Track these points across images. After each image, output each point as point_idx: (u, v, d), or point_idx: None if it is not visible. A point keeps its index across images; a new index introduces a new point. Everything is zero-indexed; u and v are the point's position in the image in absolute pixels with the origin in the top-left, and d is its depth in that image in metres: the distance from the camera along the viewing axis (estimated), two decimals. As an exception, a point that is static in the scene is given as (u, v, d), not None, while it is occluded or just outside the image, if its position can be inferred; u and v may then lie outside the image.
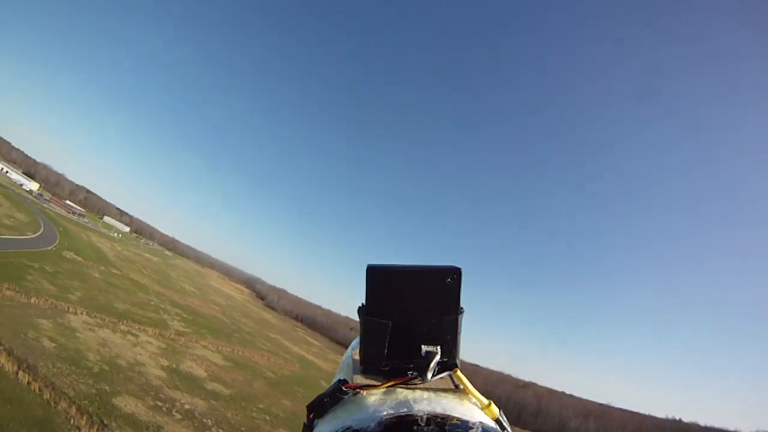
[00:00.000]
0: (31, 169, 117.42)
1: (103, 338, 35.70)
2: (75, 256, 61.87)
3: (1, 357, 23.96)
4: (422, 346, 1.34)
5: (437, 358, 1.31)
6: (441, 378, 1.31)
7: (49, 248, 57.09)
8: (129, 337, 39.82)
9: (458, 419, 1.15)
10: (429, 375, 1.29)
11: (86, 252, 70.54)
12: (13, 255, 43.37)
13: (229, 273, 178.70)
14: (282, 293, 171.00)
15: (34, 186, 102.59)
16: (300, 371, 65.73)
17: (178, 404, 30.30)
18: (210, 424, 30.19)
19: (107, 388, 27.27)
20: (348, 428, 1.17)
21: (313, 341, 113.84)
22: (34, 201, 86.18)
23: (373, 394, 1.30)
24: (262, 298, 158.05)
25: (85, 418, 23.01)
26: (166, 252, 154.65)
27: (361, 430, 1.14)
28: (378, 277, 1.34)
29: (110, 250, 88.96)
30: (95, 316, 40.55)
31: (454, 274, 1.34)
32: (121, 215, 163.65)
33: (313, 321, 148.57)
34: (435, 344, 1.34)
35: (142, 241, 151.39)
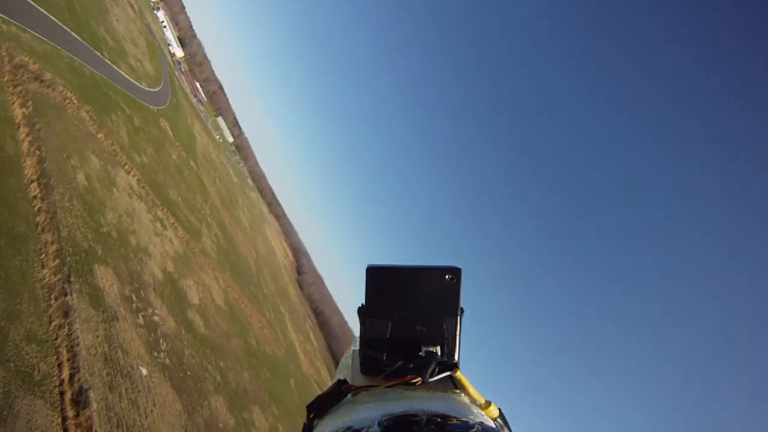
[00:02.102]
0: (186, 39, 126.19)
1: (133, 209, 35.36)
2: (168, 129, 64.06)
3: (30, 158, 23.37)
4: (422, 347, 1.48)
5: (437, 358, 1.45)
6: (441, 378, 1.44)
7: (152, 107, 59.26)
8: (157, 224, 39.45)
9: (458, 419, 1.24)
10: (429, 375, 1.41)
11: (180, 132, 73.20)
12: (115, 91, 44.92)
13: (287, 233, 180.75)
14: (319, 281, 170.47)
15: (179, 53, 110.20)
16: (281, 357, 63.46)
17: (149, 311, 28.98)
18: (163, 348, 28.59)
19: (99, 251, 26.40)
20: (348, 428, 1.29)
21: (313, 340, 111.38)
22: (170, 64, 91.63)
23: (373, 394, 1.43)
24: (298, 273, 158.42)
25: (57, 261, 21.99)
26: (248, 180, 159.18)
27: (361, 430, 1.24)
28: (378, 277, 1.49)
29: (203, 145, 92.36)
30: (143, 187, 40.73)
31: (455, 273, 1.47)
32: (233, 125, 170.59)
33: (326, 323, 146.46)
34: (435, 344, 1.49)
35: (236, 158, 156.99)
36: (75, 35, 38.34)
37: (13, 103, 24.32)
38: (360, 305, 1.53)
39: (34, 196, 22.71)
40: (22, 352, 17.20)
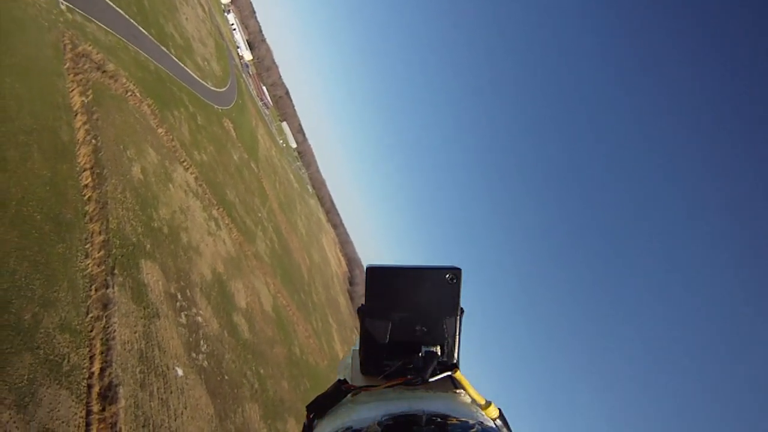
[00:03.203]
0: (255, 43, 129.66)
1: (188, 206, 35.40)
2: (231, 129, 65.12)
3: (85, 147, 23.43)
4: (422, 347, 1.52)
5: (437, 358, 1.49)
6: (441, 378, 1.47)
7: (216, 107, 60.39)
8: (212, 224, 39.45)
9: (458, 419, 1.27)
10: (429, 375, 1.44)
11: (244, 133, 74.44)
12: (179, 87, 45.79)
13: (343, 242, 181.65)
14: None
15: (248, 56, 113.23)
16: (324, 368, 62.45)
17: (193, 311, 28.54)
18: (203, 349, 28.07)
19: (148, 246, 26.21)
20: (348, 428, 1.33)
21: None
22: (238, 66, 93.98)
23: (373, 395, 1.47)
24: (350, 283, 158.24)
25: (102, 252, 21.80)
26: (309, 186, 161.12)
27: (361, 430, 1.28)
28: (378, 278, 1.53)
29: (265, 148, 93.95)
30: (200, 185, 40.98)
31: (455, 274, 1.51)
32: (297, 131, 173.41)
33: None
34: (435, 344, 1.53)
35: (298, 164, 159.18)
36: (142, 29, 39.20)
37: (72, 90, 24.53)
38: (360, 305, 1.57)
39: (86, 185, 22.66)
40: (54, 340, 16.86)
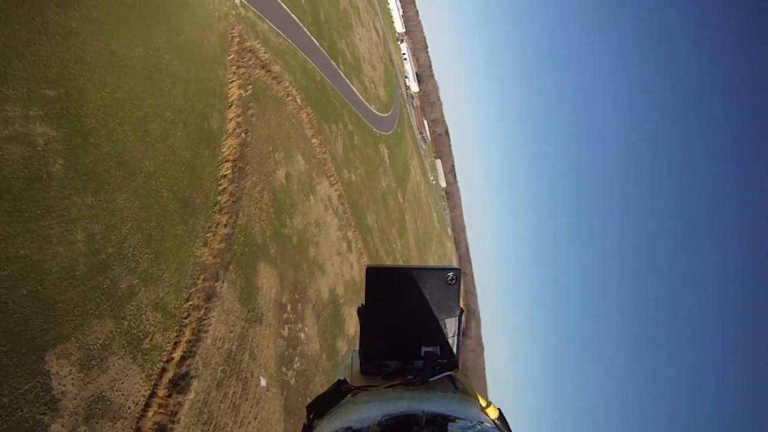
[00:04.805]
0: (423, 76, 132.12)
1: (324, 222, 34.66)
2: (385, 156, 65.24)
3: (233, 139, 23.16)
4: (422, 347, 1.58)
5: (437, 358, 1.57)
6: (441, 378, 1.55)
7: (375, 131, 60.75)
8: (343, 244, 38.42)
9: (458, 419, 1.32)
10: (429, 375, 1.52)
11: (397, 162, 74.50)
12: (342, 103, 46.39)
13: (467, 291, 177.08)
14: (479, 350, 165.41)
15: (414, 87, 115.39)
16: None
17: (298, 326, 27.56)
18: (295, 366, 27.12)
19: (272, 250, 25.49)
20: (348, 428, 1.37)
21: None
22: (403, 95, 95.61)
23: (373, 395, 1.50)
24: (463, 334, 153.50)
25: (222, 245, 21.43)
26: (448, 229, 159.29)
27: (361, 431, 1.33)
28: (378, 278, 1.59)
29: (415, 181, 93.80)
30: (342, 203, 40.49)
31: (454, 274, 1.58)
32: (449, 171, 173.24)
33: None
34: (435, 345, 1.59)
35: (443, 203, 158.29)
36: (314, 40, 40.01)
37: (232, 81, 24.63)
38: (360, 305, 1.64)
39: (224, 176, 22.26)
40: (143, 316, 16.43)
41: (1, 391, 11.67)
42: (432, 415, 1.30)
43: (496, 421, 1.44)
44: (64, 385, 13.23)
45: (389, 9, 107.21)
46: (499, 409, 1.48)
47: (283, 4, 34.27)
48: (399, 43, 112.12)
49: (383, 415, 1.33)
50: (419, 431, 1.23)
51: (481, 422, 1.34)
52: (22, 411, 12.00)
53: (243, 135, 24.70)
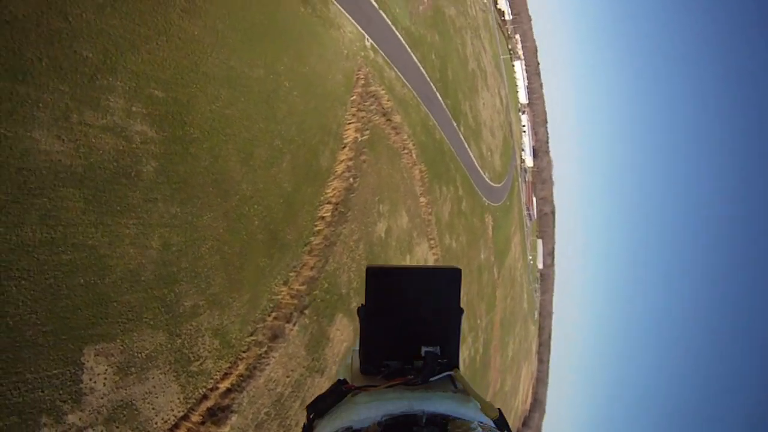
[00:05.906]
0: (539, 152, 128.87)
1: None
2: (489, 227, 62.70)
3: (340, 181, 21.81)
4: (422, 347, 1.56)
5: (437, 358, 1.54)
6: (441, 378, 1.53)
7: (483, 199, 58.73)
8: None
9: (458, 419, 1.33)
10: (429, 375, 1.50)
11: (499, 236, 71.49)
12: (457, 167, 45.42)
13: (539, 380, 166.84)
14: None
15: (529, 162, 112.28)
16: None
17: None
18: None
19: (353, 303, 24.32)
20: (348, 428, 1.36)
21: None
22: (517, 168, 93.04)
23: (373, 395, 1.47)
24: (524, 424, 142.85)
25: (303, 287, 20.73)
26: (536, 312, 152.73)
27: (361, 431, 1.33)
28: (378, 278, 1.57)
29: (513, 258, 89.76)
30: (434, 252, 37.92)
31: (454, 274, 1.61)
32: (548, 254, 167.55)
33: None
34: (435, 345, 1.57)
35: (536, 285, 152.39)
36: (439, 96, 39.08)
37: (350, 123, 23.68)
38: (360, 305, 1.61)
39: (322, 217, 20.91)
40: (200, 338, 15.59)
41: (27, 367, 11.42)
42: (432, 415, 1.30)
43: (495, 420, 1.42)
44: (95, 382, 12.90)
45: (515, 78, 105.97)
46: (498, 409, 1.46)
47: (413, 55, 33.55)
48: (520, 114, 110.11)
49: (383, 415, 1.32)
50: (419, 431, 1.23)
51: (481, 422, 1.34)
52: (42, 392, 11.73)
53: (351, 179, 23.34)
